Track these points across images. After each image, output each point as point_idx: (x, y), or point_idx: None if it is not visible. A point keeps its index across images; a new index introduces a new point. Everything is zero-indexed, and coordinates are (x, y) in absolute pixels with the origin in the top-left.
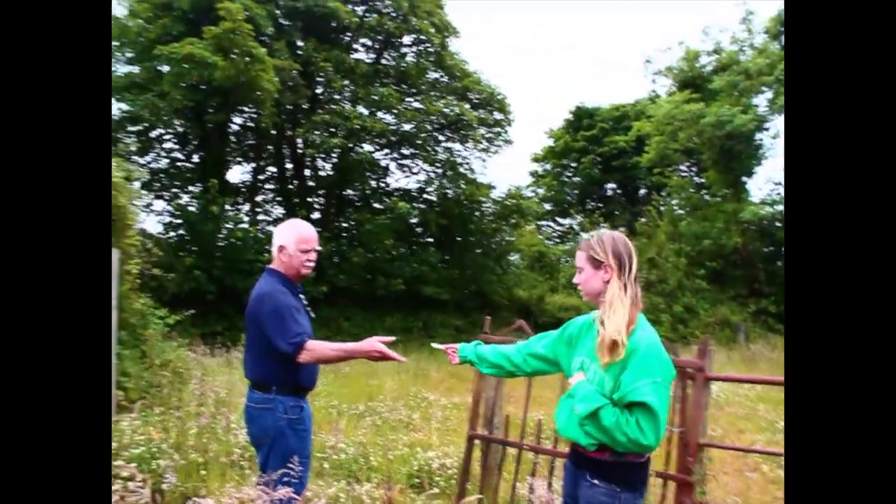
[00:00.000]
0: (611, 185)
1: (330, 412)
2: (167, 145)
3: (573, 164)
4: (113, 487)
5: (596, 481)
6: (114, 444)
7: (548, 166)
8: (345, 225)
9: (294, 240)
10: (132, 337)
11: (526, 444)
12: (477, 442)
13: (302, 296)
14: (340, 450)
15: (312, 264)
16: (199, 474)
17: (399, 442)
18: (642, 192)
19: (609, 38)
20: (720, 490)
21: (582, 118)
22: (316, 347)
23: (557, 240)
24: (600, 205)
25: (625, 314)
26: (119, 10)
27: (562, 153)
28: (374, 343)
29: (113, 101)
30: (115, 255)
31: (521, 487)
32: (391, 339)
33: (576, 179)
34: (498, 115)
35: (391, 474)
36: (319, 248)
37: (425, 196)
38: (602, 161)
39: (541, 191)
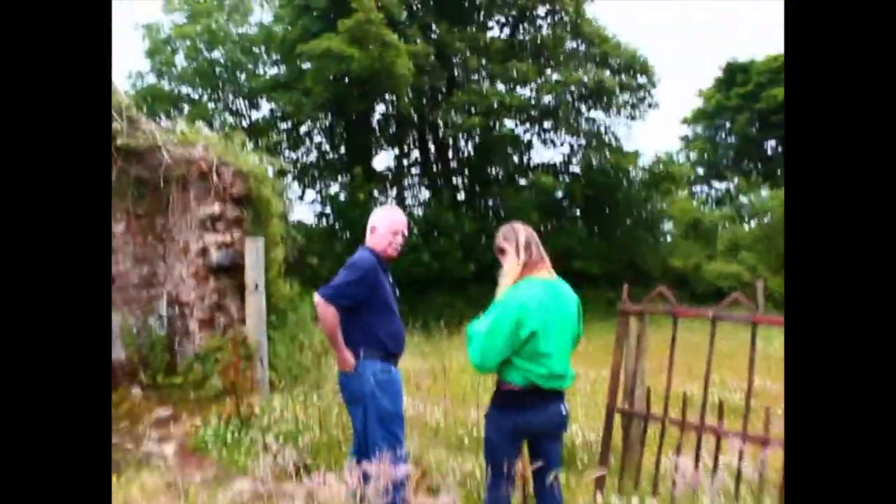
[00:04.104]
0: (770, 143)
1: (474, 388)
2: (316, 139)
3: (727, 124)
4: (265, 460)
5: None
6: (265, 421)
7: (699, 129)
8: (490, 203)
9: (386, 223)
10: (281, 321)
11: (669, 417)
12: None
13: (389, 274)
14: (483, 426)
15: (399, 246)
16: (341, 450)
17: None
18: None
19: None
20: None
21: (735, 74)
22: (328, 313)
23: (714, 204)
24: (759, 165)
25: (509, 279)
26: (265, 16)
27: (714, 113)
28: (349, 362)
29: (262, 100)
30: (261, 243)
31: (665, 463)
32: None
33: (730, 140)
34: (641, 79)
35: None
36: (406, 233)
37: (570, 168)
38: (760, 118)
39: (693, 155)
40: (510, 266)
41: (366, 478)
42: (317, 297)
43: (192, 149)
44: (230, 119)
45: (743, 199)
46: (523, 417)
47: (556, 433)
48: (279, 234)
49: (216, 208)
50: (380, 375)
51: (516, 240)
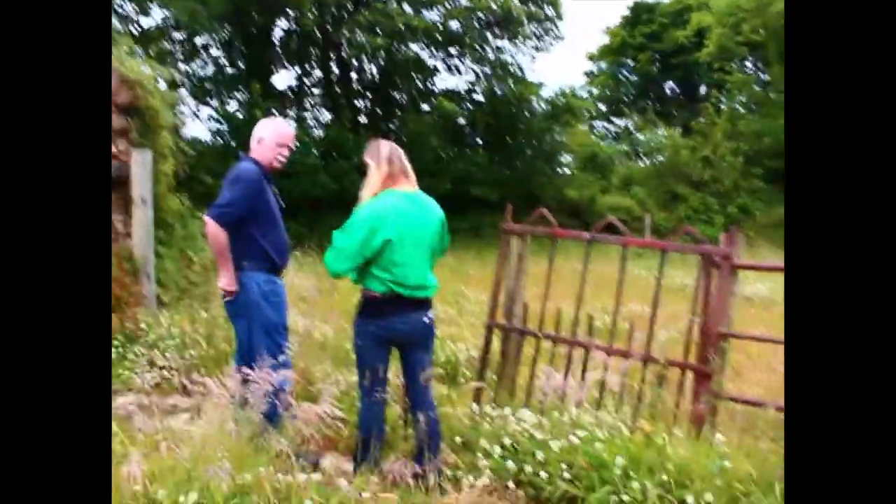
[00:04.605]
0: (670, 84)
1: None
2: (213, 52)
3: (630, 63)
4: (150, 374)
5: None
6: (152, 336)
7: (603, 65)
8: (392, 127)
9: (272, 134)
10: (169, 236)
11: (543, 332)
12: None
13: (274, 188)
14: None
15: (284, 159)
16: (228, 363)
17: (440, 333)
18: (703, 90)
19: None
20: (749, 385)
21: (640, 13)
22: (219, 234)
23: (612, 140)
24: (657, 104)
25: (370, 191)
26: None
27: (618, 51)
28: (233, 285)
29: (155, 6)
30: (148, 155)
31: (539, 375)
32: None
33: (633, 78)
34: (549, 11)
35: None
36: (294, 146)
37: (474, 96)
38: (661, 58)
39: (595, 91)
40: (371, 178)
41: (248, 383)
42: (206, 219)
43: None
44: (117, 24)
45: (639, 136)
46: (386, 324)
47: (421, 342)
48: (168, 147)
49: None
50: (264, 286)
51: (378, 154)
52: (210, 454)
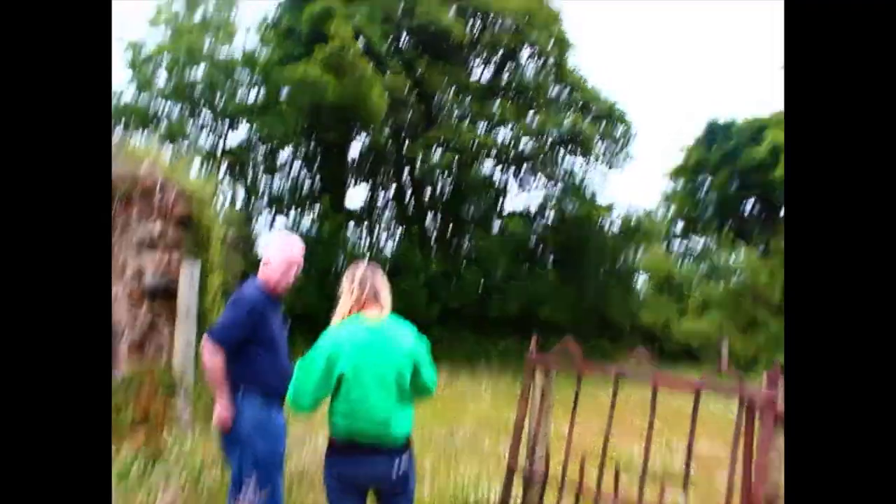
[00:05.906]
0: (750, 202)
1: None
2: (295, 165)
3: (707, 181)
4: (166, 495)
5: None
6: (174, 457)
7: (680, 184)
8: (460, 244)
9: (279, 256)
10: None
11: (562, 482)
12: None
13: (281, 311)
14: None
15: (293, 279)
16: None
17: (468, 471)
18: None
19: (744, 43)
20: None
21: (716, 133)
22: (214, 357)
23: (690, 259)
24: (735, 223)
25: (338, 316)
26: (249, 39)
27: (694, 170)
28: (224, 421)
29: (244, 122)
30: (197, 267)
31: None
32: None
33: (711, 196)
34: (620, 129)
35: None
36: (302, 264)
37: (545, 214)
38: (739, 176)
39: (673, 207)
40: (341, 302)
41: None
42: (204, 338)
43: (139, 165)
44: (209, 139)
45: (718, 257)
46: (343, 469)
47: (392, 490)
48: (218, 259)
49: (157, 228)
50: (259, 414)
51: (353, 276)
52: None
